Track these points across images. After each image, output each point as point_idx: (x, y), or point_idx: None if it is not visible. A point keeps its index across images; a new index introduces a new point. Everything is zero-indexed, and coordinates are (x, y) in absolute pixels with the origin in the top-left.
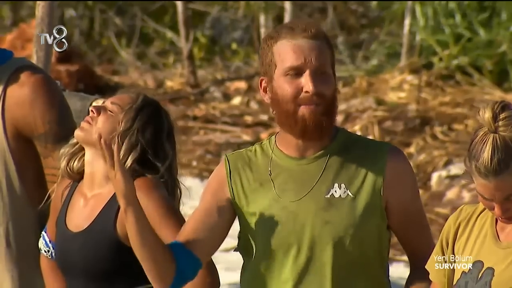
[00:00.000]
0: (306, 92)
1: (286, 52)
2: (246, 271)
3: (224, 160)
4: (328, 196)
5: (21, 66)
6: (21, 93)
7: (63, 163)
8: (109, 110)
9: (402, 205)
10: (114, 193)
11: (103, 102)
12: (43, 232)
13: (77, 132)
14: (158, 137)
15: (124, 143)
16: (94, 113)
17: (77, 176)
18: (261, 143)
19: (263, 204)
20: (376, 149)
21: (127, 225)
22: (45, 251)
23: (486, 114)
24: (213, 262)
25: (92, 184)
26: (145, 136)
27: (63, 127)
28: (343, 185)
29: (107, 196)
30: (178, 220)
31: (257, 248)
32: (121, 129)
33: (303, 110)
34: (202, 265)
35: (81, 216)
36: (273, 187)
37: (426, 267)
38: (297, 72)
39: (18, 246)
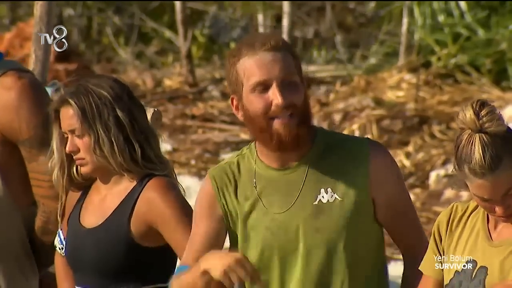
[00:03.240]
0: (276, 105)
1: (250, 68)
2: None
3: (210, 178)
4: (316, 202)
5: (8, 70)
6: (8, 97)
7: (64, 183)
8: (76, 136)
9: (389, 199)
10: (130, 190)
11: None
12: (58, 230)
13: (83, 170)
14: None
15: (112, 148)
16: (70, 150)
17: (86, 183)
18: (242, 152)
19: (253, 218)
20: (357, 147)
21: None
22: (59, 248)
23: (468, 114)
24: None
25: (108, 182)
26: (112, 131)
27: (49, 132)
28: (329, 190)
29: (122, 194)
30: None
31: (251, 261)
32: (92, 142)
33: (276, 124)
34: None
35: (96, 212)
36: (260, 200)
37: (420, 268)
38: (264, 87)
39: (2, 248)
